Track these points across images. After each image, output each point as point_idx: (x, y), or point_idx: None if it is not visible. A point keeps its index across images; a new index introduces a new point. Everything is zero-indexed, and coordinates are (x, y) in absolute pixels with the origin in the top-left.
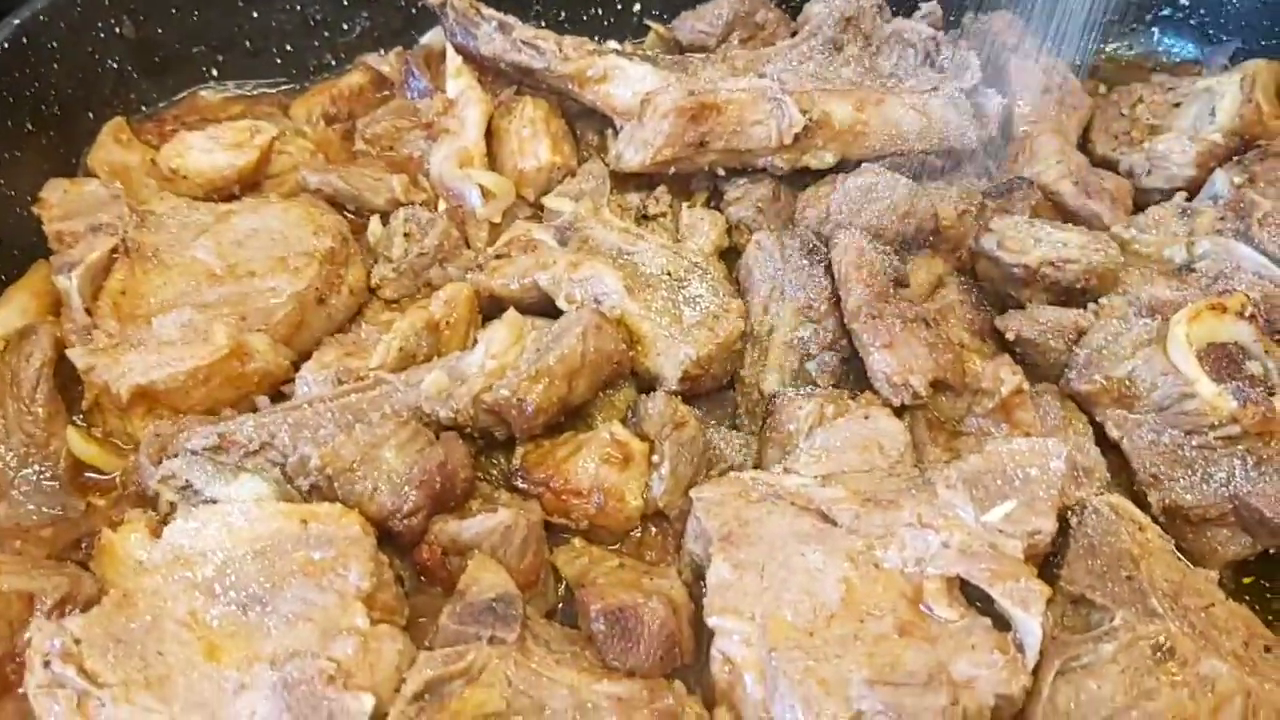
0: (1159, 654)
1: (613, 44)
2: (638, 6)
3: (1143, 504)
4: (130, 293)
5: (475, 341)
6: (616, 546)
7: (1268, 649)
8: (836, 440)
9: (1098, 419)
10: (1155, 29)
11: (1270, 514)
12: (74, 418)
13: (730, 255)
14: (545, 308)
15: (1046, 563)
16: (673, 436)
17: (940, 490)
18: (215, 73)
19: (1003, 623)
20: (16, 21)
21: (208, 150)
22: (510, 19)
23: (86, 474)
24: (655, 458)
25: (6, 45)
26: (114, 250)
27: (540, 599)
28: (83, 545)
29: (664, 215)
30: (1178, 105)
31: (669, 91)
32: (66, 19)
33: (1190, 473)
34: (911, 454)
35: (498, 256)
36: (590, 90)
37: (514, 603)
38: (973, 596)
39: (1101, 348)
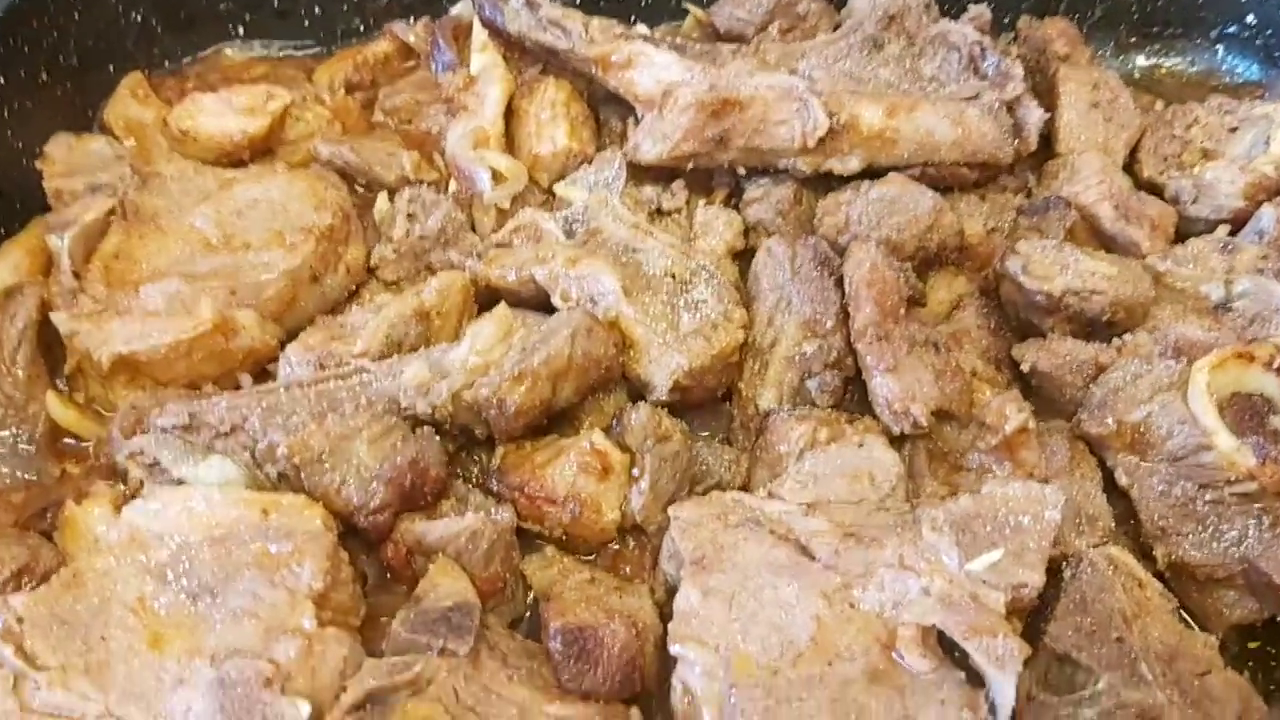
0: None
1: (641, 28)
2: None
3: (1149, 557)
4: (123, 257)
5: (465, 333)
6: (592, 558)
7: None
8: (826, 467)
9: (1108, 464)
10: (1219, 46)
11: None
12: (55, 382)
13: (748, 257)
14: (542, 303)
15: (1035, 615)
16: (655, 450)
17: (926, 531)
18: (241, 31)
19: (978, 677)
20: None
21: (219, 114)
22: None
23: (64, 440)
24: (635, 471)
25: None
26: (111, 212)
27: (506, 606)
28: (49, 514)
29: (679, 211)
30: (1234, 130)
31: (691, 85)
32: None
33: (1200, 529)
34: (905, 486)
35: (500, 245)
36: (614, 75)
37: (470, 613)
38: (951, 645)
39: (1118, 389)
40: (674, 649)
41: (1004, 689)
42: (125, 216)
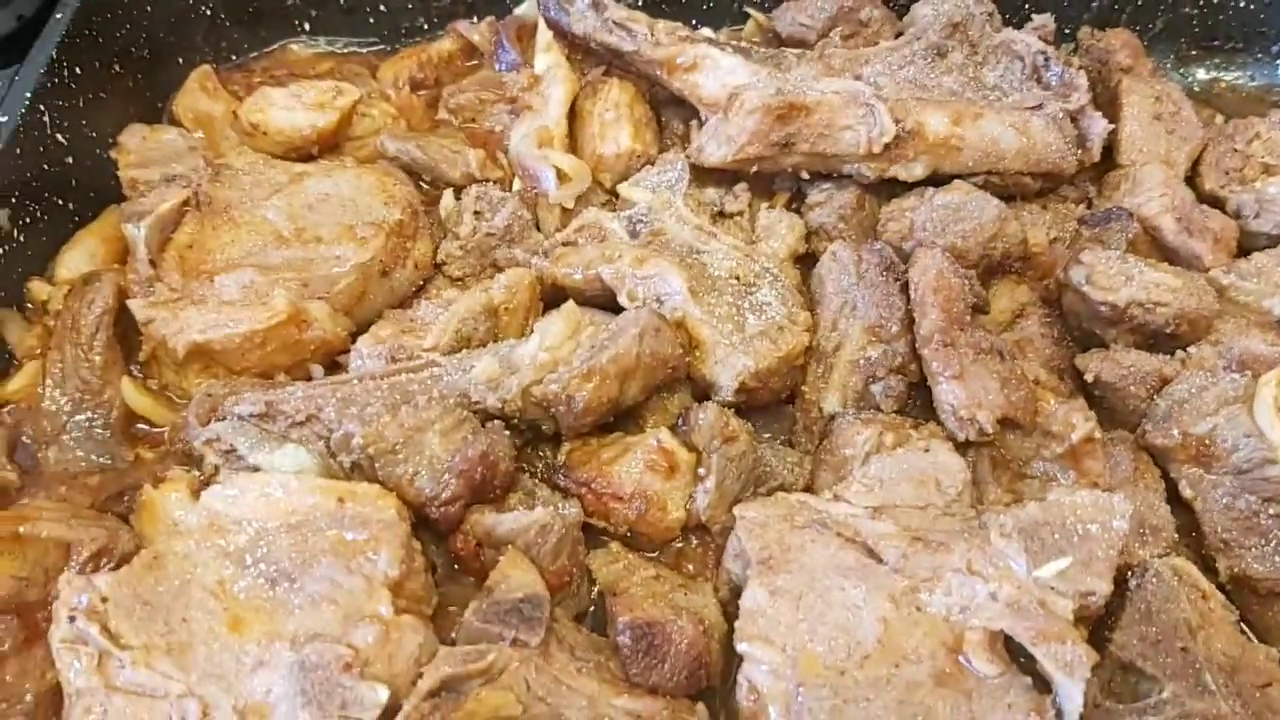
0: None
1: (706, 31)
2: None
3: (1211, 569)
4: (197, 247)
5: (532, 330)
6: (655, 555)
7: None
8: (892, 471)
9: (1172, 475)
10: (1279, 61)
11: None
12: (130, 368)
13: (808, 261)
14: (607, 301)
15: (1099, 623)
16: (721, 450)
17: (994, 537)
18: (308, 27)
19: (1044, 683)
20: None
21: (289, 108)
22: None
23: (138, 425)
24: (702, 470)
25: None
26: (185, 203)
27: (572, 600)
28: (125, 498)
29: (741, 214)
30: None
31: (757, 88)
32: None
33: (1264, 542)
34: (971, 492)
35: (565, 244)
36: (679, 78)
37: (541, 605)
38: (1017, 651)
39: (1184, 401)
40: (741, 647)
41: (1072, 695)
42: (199, 207)
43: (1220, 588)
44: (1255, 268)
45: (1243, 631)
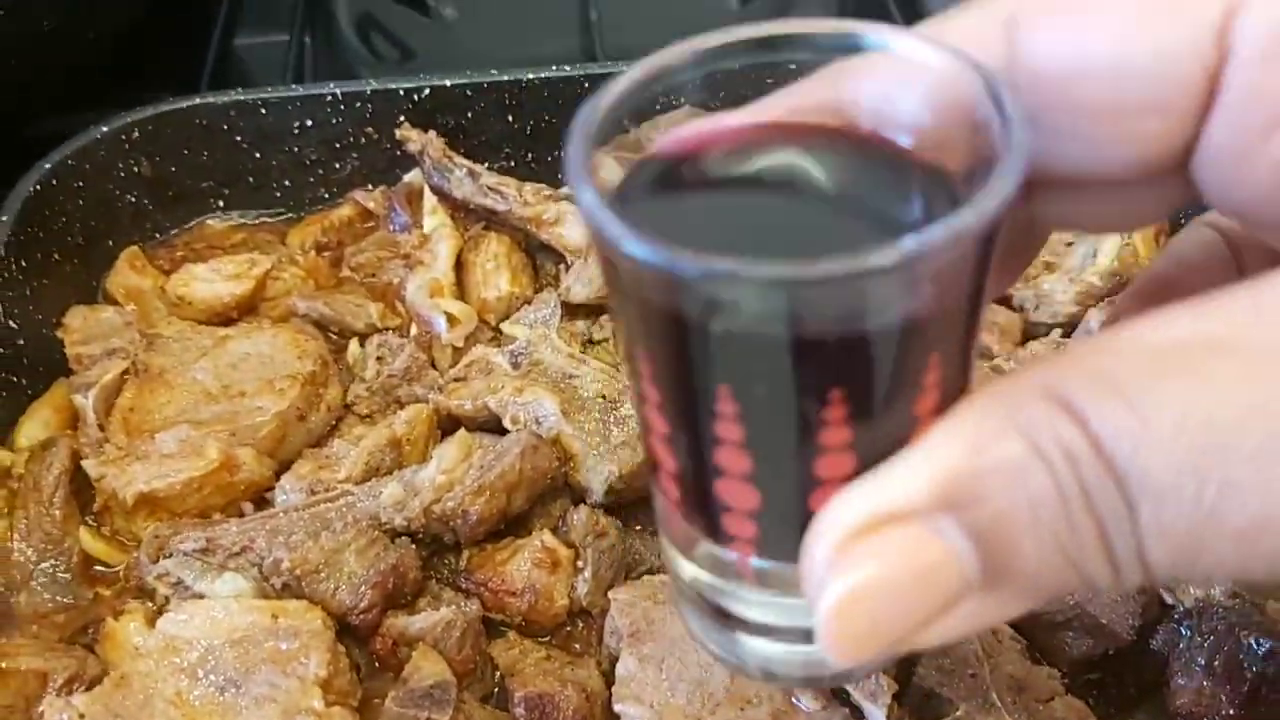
0: None
1: (566, 190)
2: None
3: None
4: (138, 409)
5: (431, 456)
6: (547, 639)
7: None
8: None
9: None
10: None
11: (1105, 620)
12: (86, 518)
13: None
14: (496, 425)
15: (906, 658)
16: (594, 544)
17: None
18: (221, 204)
19: (859, 711)
20: (47, 165)
21: (210, 280)
22: (478, 167)
23: (95, 567)
24: (580, 563)
25: (38, 187)
26: (125, 372)
27: (478, 684)
28: (89, 631)
29: (607, 340)
30: (1070, 244)
31: None
32: (91, 161)
33: None
34: None
35: (456, 379)
36: (546, 230)
37: (449, 689)
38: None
39: None
40: (617, 707)
41: (876, 717)
42: (137, 375)
43: (1012, 623)
44: (1030, 353)
45: (1033, 657)
